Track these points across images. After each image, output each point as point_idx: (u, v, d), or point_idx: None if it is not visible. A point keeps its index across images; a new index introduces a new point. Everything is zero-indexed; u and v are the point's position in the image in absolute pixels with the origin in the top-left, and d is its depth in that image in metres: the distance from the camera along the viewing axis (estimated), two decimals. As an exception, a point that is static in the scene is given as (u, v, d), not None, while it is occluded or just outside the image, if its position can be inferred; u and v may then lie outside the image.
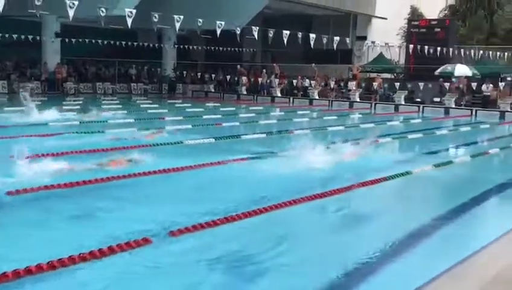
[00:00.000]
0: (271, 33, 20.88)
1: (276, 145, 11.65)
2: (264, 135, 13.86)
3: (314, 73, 31.61)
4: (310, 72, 32.07)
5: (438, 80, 28.32)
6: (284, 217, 6.18)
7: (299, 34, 22.17)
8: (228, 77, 33.50)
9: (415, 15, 37.67)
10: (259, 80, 32.44)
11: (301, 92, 31.89)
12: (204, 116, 18.56)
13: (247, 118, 19.08)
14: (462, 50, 30.89)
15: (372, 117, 24.75)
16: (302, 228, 6.08)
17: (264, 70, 33.47)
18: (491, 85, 27.00)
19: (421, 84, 27.97)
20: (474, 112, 25.94)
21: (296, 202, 6.62)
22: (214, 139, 12.14)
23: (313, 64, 31.80)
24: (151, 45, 32.21)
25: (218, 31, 19.37)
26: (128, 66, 33.78)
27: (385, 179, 8.57)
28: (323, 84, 32.37)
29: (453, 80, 28.20)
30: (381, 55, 33.50)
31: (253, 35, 20.45)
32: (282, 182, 8.07)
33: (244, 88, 32.95)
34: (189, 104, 25.07)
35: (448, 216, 6.81)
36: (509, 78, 28.49)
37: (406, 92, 28.75)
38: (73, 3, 15.13)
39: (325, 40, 23.38)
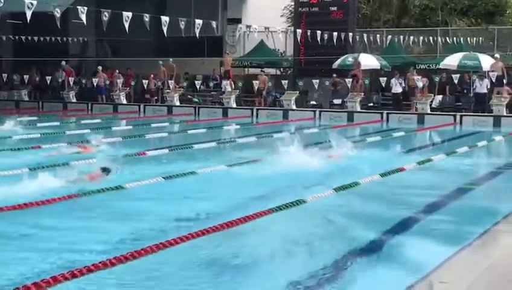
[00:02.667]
0: (106, 16, 20.61)
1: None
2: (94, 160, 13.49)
3: (160, 71, 31.64)
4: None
5: (338, 76, 29.59)
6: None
7: (146, 17, 22.11)
8: (49, 79, 32.53)
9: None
10: (95, 80, 31.87)
11: (155, 97, 31.86)
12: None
13: (76, 136, 18.66)
14: (365, 35, 32.61)
15: (254, 128, 25.30)
16: None
17: (99, 68, 32.91)
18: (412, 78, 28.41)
19: (316, 82, 29.03)
20: (385, 116, 27.42)
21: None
22: (28, 169, 11.67)
23: (171, 60, 31.90)
24: None
25: (29, 14, 18.76)
26: None
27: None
28: (184, 84, 32.59)
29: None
30: (261, 43, 34.38)
31: (81, 20, 20.06)
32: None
33: (72, 94, 32.26)
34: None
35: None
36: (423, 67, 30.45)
37: (297, 92, 29.71)
38: None
39: (183, 25, 23.51)
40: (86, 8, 20.40)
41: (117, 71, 32.40)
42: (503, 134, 21.77)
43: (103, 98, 32.25)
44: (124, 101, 31.78)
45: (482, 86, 27.00)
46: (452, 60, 28.69)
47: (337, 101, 29.70)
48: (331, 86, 29.69)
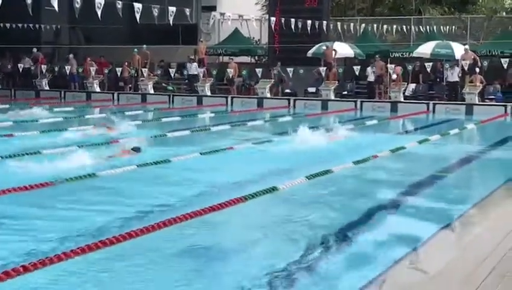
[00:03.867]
0: (78, 2, 20.43)
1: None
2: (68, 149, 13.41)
3: (135, 59, 31.47)
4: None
5: (313, 64, 29.62)
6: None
7: (119, 4, 21.95)
8: (21, 66, 32.19)
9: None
10: (67, 68, 31.63)
11: (130, 85, 31.69)
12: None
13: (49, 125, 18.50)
14: (340, 23, 32.68)
15: (229, 117, 25.28)
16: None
17: (71, 56, 32.59)
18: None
19: (290, 70, 29.06)
20: (359, 105, 27.55)
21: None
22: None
23: (144, 47, 31.71)
24: None
25: (0, 0, 18.54)
26: None
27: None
28: (158, 72, 32.46)
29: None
30: (236, 31, 34.32)
31: (53, 6, 19.85)
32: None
33: (45, 82, 31.98)
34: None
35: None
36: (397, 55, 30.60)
37: (272, 81, 29.72)
38: None
39: (156, 12, 23.39)
40: (58, -6, 20.17)
41: (89, 59, 32.11)
42: (475, 122, 21.96)
43: (76, 85, 32.01)
44: (98, 89, 31.54)
45: (453, 75, 27.19)
46: (425, 49, 28.84)
47: (311, 90, 29.77)
48: (317, 74, 29.68)
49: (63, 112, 23.09)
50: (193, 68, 30.77)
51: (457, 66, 27.21)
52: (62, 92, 31.57)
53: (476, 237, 7.27)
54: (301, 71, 29.32)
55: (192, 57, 31.49)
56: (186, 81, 32.03)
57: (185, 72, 32.07)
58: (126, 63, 31.59)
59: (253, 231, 7.99)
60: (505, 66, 26.89)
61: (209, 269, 6.43)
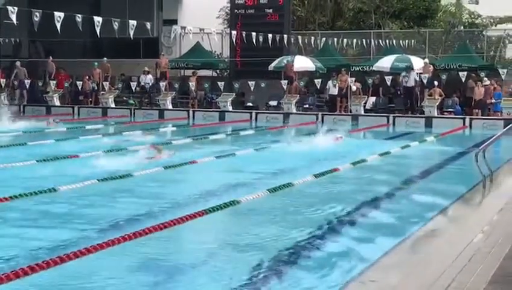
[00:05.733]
0: (37, 16, 20.22)
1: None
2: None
3: (95, 72, 31.26)
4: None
5: (274, 78, 29.70)
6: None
7: (79, 18, 21.79)
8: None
9: (239, -9, 39.23)
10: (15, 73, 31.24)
11: (91, 99, 31.45)
12: None
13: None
14: (300, 37, 32.87)
15: (192, 130, 25.22)
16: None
17: (18, 63, 32.08)
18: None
19: (252, 84, 29.13)
20: (320, 118, 27.67)
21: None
22: None
23: (105, 59, 31.52)
24: None
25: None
26: None
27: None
28: (119, 85, 32.27)
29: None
30: (198, 45, 34.28)
31: (11, 20, 19.62)
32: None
33: (4, 96, 31.53)
34: None
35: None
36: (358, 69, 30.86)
37: (234, 94, 29.77)
38: None
39: (116, 26, 23.28)
40: (16, 8, 19.96)
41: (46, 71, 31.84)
42: (435, 135, 22.22)
43: (23, 93, 31.49)
44: (57, 103, 31.21)
45: (409, 81, 27.33)
46: (385, 62, 29.15)
47: (273, 103, 29.86)
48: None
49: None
50: (147, 80, 30.57)
51: (413, 71, 27.41)
52: (21, 107, 31.11)
53: (435, 249, 7.32)
54: (263, 85, 29.39)
55: (148, 69, 31.19)
56: (146, 95, 31.81)
57: (141, 83, 31.45)
58: (87, 77, 31.35)
59: (212, 245, 7.98)
60: (463, 79, 27.33)
61: (165, 285, 6.40)
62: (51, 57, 33.03)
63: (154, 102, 30.71)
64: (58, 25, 20.69)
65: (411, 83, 27.41)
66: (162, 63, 31.68)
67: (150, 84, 30.58)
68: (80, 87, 31.33)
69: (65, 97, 32.16)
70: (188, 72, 33.75)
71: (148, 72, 30.91)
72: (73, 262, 6.47)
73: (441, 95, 27.10)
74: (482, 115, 26.53)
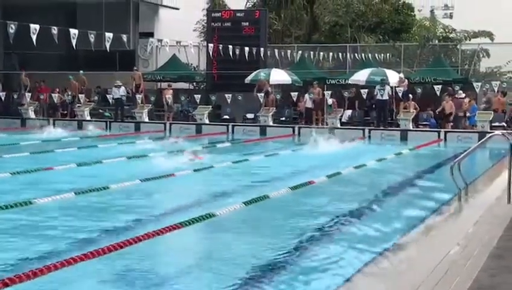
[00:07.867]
0: (12, 28, 20.10)
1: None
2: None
3: (71, 85, 31.13)
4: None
5: (251, 90, 29.70)
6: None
7: (54, 30, 21.69)
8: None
9: (215, 5, 39.34)
10: (2, 94, 31.02)
11: (66, 111, 31.26)
12: None
13: None
14: (277, 50, 32.98)
15: (169, 144, 25.06)
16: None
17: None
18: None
19: (229, 97, 29.14)
20: (297, 130, 27.71)
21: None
22: None
23: (81, 72, 31.35)
24: None
25: None
26: None
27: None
28: (95, 98, 32.11)
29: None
30: (174, 58, 34.23)
31: (-14, 31, 19.51)
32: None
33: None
34: None
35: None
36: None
37: (210, 107, 29.74)
38: None
39: (92, 38, 23.20)
40: (-9, 20, 19.86)
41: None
42: (410, 148, 22.33)
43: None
44: (33, 116, 30.97)
45: (383, 95, 27.33)
46: (361, 76, 29.25)
47: (249, 116, 29.87)
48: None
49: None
50: (121, 92, 30.31)
51: (388, 85, 27.51)
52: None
53: (411, 262, 7.32)
54: (239, 97, 29.40)
55: (119, 83, 30.86)
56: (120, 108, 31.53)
57: (115, 96, 31.09)
58: (57, 89, 31.22)
59: (188, 258, 7.94)
60: (438, 92, 27.53)
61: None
62: (23, 72, 32.75)
63: (129, 114, 30.53)
64: (34, 37, 20.58)
65: (385, 97, 27.52)
66: (136, 77, 31.51)
67: (124, 97, 30.33)
68: (55, 100, 31.10)
69: (42, 110, 31.93)
70: (165, 85, 33.64)
71: (120, 86, 30.56)
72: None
73: (416, 108, 27.28)
74: (455, 128, 26.73)
